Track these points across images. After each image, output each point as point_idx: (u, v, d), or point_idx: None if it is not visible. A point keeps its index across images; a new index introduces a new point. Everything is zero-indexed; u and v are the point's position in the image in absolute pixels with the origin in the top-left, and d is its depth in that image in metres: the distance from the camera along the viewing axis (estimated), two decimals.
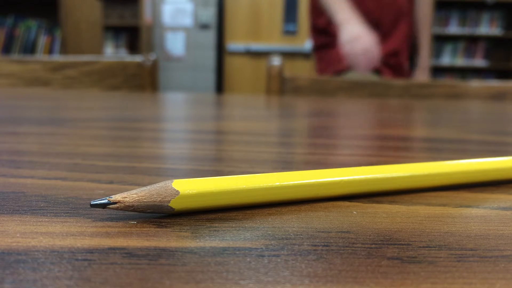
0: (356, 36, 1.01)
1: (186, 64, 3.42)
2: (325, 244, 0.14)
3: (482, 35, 3.41)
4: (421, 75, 1.32)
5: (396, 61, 1.21)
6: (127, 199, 0.15)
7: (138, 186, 0.19)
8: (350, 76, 1.08)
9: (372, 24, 1.09)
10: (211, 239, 0.14)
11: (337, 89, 0.87)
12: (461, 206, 0.18)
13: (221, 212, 0.16)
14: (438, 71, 3.21)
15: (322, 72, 1.20)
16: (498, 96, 0.94)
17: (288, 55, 3.35)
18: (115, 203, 0.15)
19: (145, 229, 0.14)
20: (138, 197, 0.15)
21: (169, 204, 0.15)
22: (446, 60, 3.21)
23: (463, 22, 3.38)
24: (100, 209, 0.16)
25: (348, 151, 0.30)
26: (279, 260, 0.12)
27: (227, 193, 0.16)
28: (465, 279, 0.12)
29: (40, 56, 1.93)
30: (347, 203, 0.18)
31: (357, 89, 0.91)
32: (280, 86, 0.84)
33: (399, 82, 0.97)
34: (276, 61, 0.83)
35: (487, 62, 3.42)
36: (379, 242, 0.14)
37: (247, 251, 0.13)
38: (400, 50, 1.21)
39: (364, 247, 0.13)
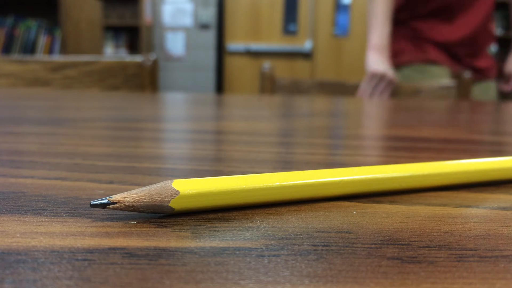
0: (381, 74, 0.96)
1: (186, 64, 3.42)
2: (325, 244, 0.14)
3: None
4: None
5: (470, 51, 1.06)
6: (127, 199, 0.15)
7: (138, 186, 0.19)
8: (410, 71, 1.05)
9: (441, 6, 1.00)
10: (211, 239, 0.14)
11: (311, 88, 1.02)
12: (461, 206, 0.18)
13: (221, 212, 0.16)
14: None
15: (397, 49, 1.06)
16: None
17: (288, 55, 3.35)
18: (115, 203, 0.15)
19: (145, 229, 0.14)
20: (138, 197, 0.15)
21: (169, 204, 0.15)
22: None
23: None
24: (100, 209, 0.16)
25: (348, 151, 0.30)
26: (279, 260, 0.12)
27: (227, 193, 0.16)
28: (465, 279, 0.12)
29: (40, 56, 1.92)
30: (347, 203, 0.18)
31: (328, 88, 1.03)
32: (272, 87, 1.00)
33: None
34: (265, 68, 0.99)
35: None
36: (379, 242, 0.14)
37: (247, 251, 0.13)
38: (476, 36, 1.05)
39: (364, 247, 0.13)
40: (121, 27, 3.25)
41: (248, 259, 0.12)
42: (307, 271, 0.12)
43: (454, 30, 1.06)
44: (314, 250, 0.13)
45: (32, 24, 1.97)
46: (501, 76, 1.17)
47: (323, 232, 0.15)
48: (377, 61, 0.97)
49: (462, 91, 1.00)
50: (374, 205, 0.18)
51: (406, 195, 0.19)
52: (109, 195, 0.15)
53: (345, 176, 0.18)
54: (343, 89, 1.04)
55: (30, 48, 1.97)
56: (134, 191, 0.15)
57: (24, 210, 0.16)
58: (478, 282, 0.11)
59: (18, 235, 0.14)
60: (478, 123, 0.46)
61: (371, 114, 0.52)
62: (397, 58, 1.06)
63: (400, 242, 0.14)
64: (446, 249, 0.13)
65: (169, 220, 0.15)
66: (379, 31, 0.98)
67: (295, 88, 1.02)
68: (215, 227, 0.15)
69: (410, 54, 1.08)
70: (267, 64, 1.02)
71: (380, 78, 0.96)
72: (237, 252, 0.13)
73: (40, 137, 0.30)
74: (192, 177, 0.17)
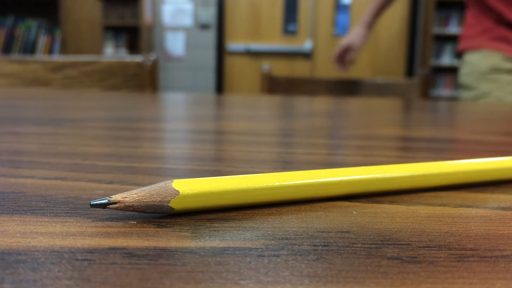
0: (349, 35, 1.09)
1: (186, 64, 3.42)
2: (325, 244, 0.14)
3: None
4: None
5: None
6: (127, 199, 0.15)
7: (138, 186, 0.19)
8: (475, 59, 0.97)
9: None
10: (211, 239, 0.14)
11: (290, 84, 1.11)
12: (461, 206, 0.18)
13: (221, 212, 0.16)
14: (438, 71, 3.21)
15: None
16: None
17: (288, 55, 3.35)
18: (115, 203, 0.15)
19: (145, 229, 0.14)
20: (138, 197, 0.15)
21: (169, 204, 0.15)
22: (446, 60, 3.21)
23: (463, 22, 3.38)
24: (100, 209, 0.16)
25: (348, 151, 0.30)
26: (279, 260, 0.12)
27: (227, 193, 0.16)
28: (465, 279, 0.12)
29: (40, 56, 1.92)
30: (347, 203, 0.18)
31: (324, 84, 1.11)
32: (269, 85, 1.08)
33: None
34: (265, 69, 1.08)
35: None
36: (379, 242, 0.14)
37: (247, 251, 0.13)
38: None
39: (364, 247, 0.13)
40: (121, 27, 3.25)
41: (248, 259, 0.12)
42: (307, 271, 0.12)
43: None
44: (314, 250, 0.13)
45: (32, 24, 1.97)
46: None
47: (323, 232, 0.15)
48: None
49: None
50: (374, 205, 0.18)
51: (406, 195, 0.19)
52: (109, 195, 0.15)
53: (345, 176, 0.18)
54: (337, 85, 1.09)
55: (30, 48, 1.97)
56: (134, 191, 0.15)
57: (24, 210, 0.16)
58: (478, 282, 0.11)
59: (18, 235, 0.14)
60: (478, 123, 0.46)
61: (371, 114, 0.52)
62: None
63: (400, 242, 0.14)
64: (446, 249, 0.13)
65: (169, 220, 0.15)
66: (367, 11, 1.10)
67: (291, 85, 1.08)
68: (215, 227, 0.15)
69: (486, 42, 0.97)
70: (266, 65, 1.10)
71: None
72: (237, 252, 0.13)
73: (40, 137, 0.30)
74: (192, 177, 0.17)
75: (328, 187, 0.17)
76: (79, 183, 0.20)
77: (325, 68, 3.35)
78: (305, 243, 0.14)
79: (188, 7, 3.36)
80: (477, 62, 0.98)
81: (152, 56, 0.92)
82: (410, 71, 3.24)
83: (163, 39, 3.40)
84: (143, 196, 0.15)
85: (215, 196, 0.16)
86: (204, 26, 3.37)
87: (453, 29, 3.18)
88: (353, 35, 1.09)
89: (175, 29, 3.39)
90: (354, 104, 0.65)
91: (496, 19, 0.95)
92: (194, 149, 0.28)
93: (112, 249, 0.13)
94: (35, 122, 0.37)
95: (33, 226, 0.14)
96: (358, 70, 3.22)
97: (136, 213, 0.16)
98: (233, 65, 3.43)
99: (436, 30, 3.15)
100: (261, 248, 0.13)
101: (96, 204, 0.15)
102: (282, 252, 0.13)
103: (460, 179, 0.20)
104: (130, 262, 0.12)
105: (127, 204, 0.15)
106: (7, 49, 1.96)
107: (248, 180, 0.16)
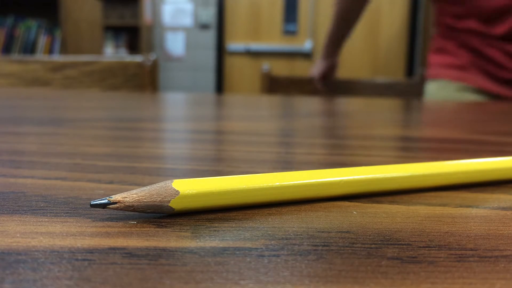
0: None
1: (186, 64, 3.42)
2: (325, 244, 0.14)
3: None
4: None
5: None
6: (127, 199, 0.15)
7: (138, 186, 0.19)
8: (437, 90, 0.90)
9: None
10: (211, 239, 0.14)
11: (290, 84, 1.13)
12: (461, 206, 0.18)
13: (221, 212, 0.16)
14: None
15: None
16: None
17: (288, 55, 3.35)
18: (115, 203, 0.15)
19: (145, 229, 0.14)
20: (138, 197, 0.15)
21: (169, 204, 0.15)
22: None
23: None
24: (100, 209, 0.16)
25: (348, 151, 0.30)
26: (279, 260, 0.12)
27: (227, 193, 0.16)
28: (465, 279, 0.12)
29: (40, 56, 1.92)
30: (347, 203, 0.18)
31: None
32: (269, 85, 1.09)
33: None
34: (265, 69, 1.10)
35: None
36: (379, 242, 0.14)
37: (247, 251, 0.13)
38: None
39: (364, 247, 0.13)
40: (121, 27, 3.25)
41: (248, 259, 0.12)
42: (307, 271, 0.12)
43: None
44: (314, 250, 0.13)
45: (32, 24, 1.97)
46: None
47: (323, 232, 0.15)
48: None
49: None
50: (374, 205, 0.18)
51: (406, 195, 0.19)
52: (109, 195, 0.15)
53: (345, 176, 0.18)
54: (337, 85, 1.10)
55: (30, 48, 1.97)
56: (134, 191, 0.15)
57: (24, 210, 0.16)
58: (478, 282, 0.11)
59: (18, 235, 0.14)
60: (478, 123, 0.46)
61: (371, 114, 0.52)
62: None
63: (400, 242, 0.14)
64: (446, 249, 0.13)
65: (169, 220, 0.15)
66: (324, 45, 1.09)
67: (291, 85, 1.10)
68: (215, 227, 0.15)
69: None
70: (266, 65, 1.11)
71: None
72: (237, 252, 0.13)
73: (40, 137, 0.30)
74: (192, 177, 0.17)
75: (328, 187, 0.18)
76: (79, 183, 0.20)
77: None
78: (305, 243, 0.14)
79: (188, 7, 3.36)
80: (433, 94, 0.91)
81: (152, 56, 0.92)
82: (410, 71, 3.24)
83: (163, 39, 3.40)
84: (143, 196, 0.15)
85: (215, 196, 0.16)
86: (204, 26, 3.37)
87: None
88: (313, 67, 1.10)
89: (175, 29, 3.39)
90: (354, 104, 0.65)
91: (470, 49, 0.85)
92: (194, 149, 0.28)
93: (112, 249, 0.13)
94: (35, 122, 0.37)
95: (33, 226, 0.14)
96: (358, 70, 3.22)
97: (136, 213, 0.16)
98: (233, 65, 3.43)
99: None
100: (261, 248, 0.13)
101: (96, 204, 0.15)
102: (282, 252, 0.13)
103: (460, 179, 0.20)
104: (130, 262, 0.12)
105: (127, 204, 0.15)
106: (7, 49, 1.96)
107: (248, 180, 0.16)
